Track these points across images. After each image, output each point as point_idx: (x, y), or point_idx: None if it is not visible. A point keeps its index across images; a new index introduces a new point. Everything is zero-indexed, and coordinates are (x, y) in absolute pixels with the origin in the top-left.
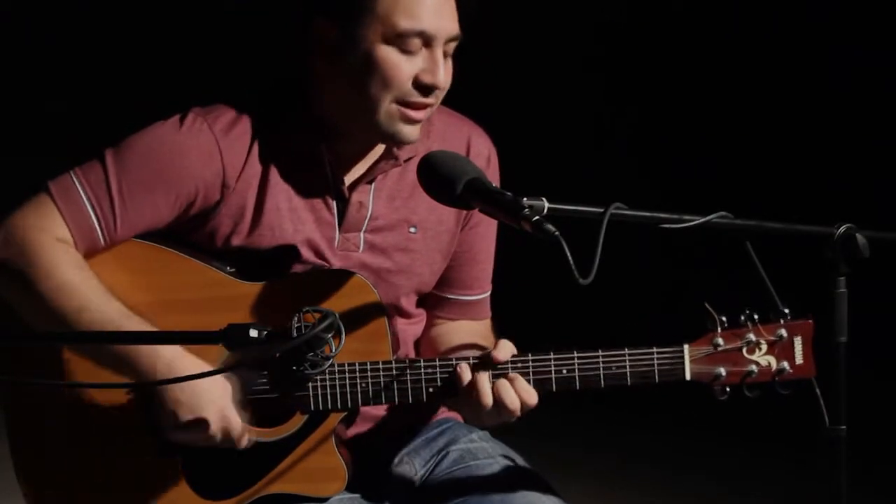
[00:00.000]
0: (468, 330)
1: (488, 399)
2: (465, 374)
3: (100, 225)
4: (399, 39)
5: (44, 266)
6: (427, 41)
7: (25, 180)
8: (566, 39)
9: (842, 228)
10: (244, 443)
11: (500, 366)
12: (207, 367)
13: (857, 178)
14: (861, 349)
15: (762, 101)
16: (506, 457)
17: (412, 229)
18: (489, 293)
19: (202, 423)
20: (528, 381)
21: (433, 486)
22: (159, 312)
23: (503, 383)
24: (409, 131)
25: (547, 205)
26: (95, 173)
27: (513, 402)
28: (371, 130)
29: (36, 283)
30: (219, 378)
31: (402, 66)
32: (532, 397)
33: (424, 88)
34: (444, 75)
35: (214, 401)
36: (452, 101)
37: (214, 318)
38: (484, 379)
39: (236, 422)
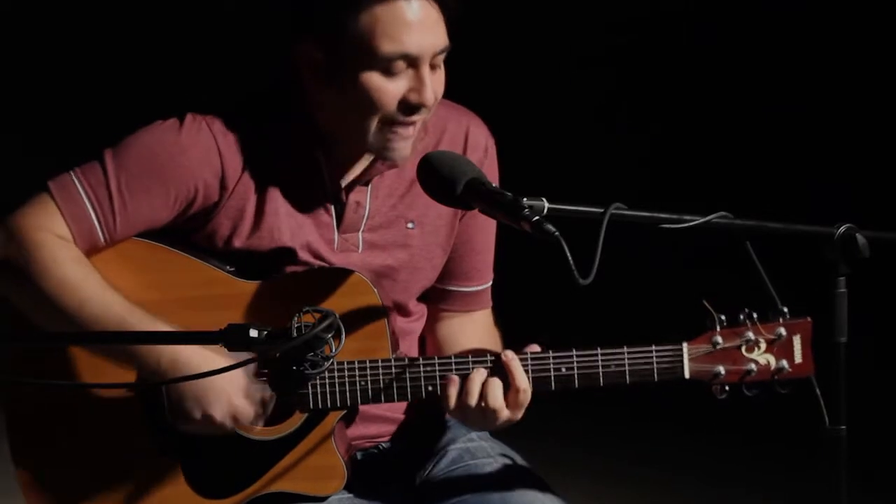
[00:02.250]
0: (473, 332)
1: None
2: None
3: (99, 223)
4: (382, 63)
5: (44, 263)
6: (411, 62)
7: (26, 180)
8: (566, 39)
9: (842, 228)
10: (259, 426)
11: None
12: (210, 358)
13: (857, 178)
14: (861, 349)
15: (762, 101)
16: (504, 456)
17: (410, 225)
18: (490, 283)
19: (209, 416)
20: (528, 379)
21: (432, 486)
22: (161, 310)
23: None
24: (401, 149)
25: (547, 205)
26: (95, 173)
27: (495, 399)
28: (363, 148)
29: (37, 279)
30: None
31: (387, 90)
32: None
33: (410, 108)
34: (430, 93)
35: (222, 390)
36: (453, 100)
37: (215, 316)
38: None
39: (245, 410)
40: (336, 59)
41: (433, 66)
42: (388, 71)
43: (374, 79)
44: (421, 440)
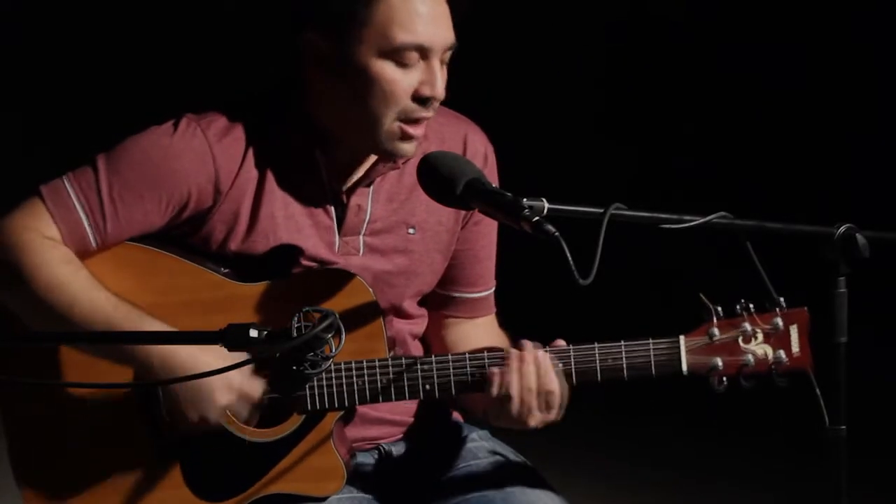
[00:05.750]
0: (479, 336)
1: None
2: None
3: (90, 226)
4: (396, 53)
5: (33, 264)
6: (424, 53)
7: (24, 181)
8: (566, 39)
9: (842, 228)
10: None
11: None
12: (201, 359)
13: (857, 178)
14: (861, 349)
15: (762, 101)
16: (506, 456)
17: (411, 230)
18: (493, 289)
19: (203, 417)
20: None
21: (434, 486)
22: (158, 315)
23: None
24: (408, 148)
25: (547, 205)
26: (87, 176)
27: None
28: (369, 144)
29: (26, 280)
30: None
31: (401, 81)
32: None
33: (424, 101)
34: (442, 87)
35: (215, 389)
36: (453, 100)
37: (211, 320)
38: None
39: (240, 409)
40: (346, 50)
41: (441, 63)
42: (401, 62)
43: (387, 69)
44: (422, 442)
